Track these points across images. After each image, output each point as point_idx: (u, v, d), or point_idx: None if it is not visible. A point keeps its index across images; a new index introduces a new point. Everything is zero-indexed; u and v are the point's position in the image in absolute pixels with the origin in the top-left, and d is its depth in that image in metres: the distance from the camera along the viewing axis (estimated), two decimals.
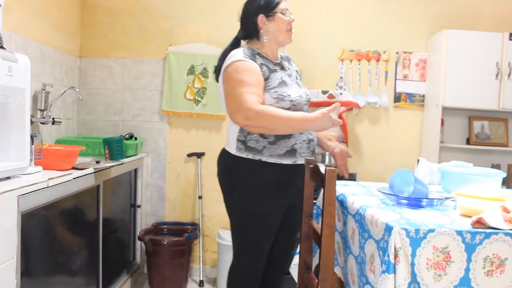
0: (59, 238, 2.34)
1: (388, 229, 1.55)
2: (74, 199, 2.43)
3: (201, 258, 3.72)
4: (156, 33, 3.82)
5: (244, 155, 2.12)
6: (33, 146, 2.17)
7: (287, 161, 2.12)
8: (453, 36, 3.59)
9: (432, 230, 1.52)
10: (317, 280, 1.82)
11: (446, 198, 1.91)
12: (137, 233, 3.59)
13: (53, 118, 2.97)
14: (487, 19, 3.89)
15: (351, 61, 3.91)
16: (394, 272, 1.51)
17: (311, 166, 2.03)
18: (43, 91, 2.97)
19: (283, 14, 2.17)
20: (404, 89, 3.94)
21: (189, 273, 3.64)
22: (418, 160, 2.67)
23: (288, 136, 2.10)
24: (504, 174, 2.14)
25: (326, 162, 3.55)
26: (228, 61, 2.10)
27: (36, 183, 1.93)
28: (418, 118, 3.94)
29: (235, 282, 2.29)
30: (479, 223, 1.56)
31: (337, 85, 3.89)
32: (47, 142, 3.01)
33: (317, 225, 2.00)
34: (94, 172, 2.54)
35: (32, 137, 2.14)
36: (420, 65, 3.93)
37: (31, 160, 2.12)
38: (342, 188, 2.24)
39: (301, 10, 3.86)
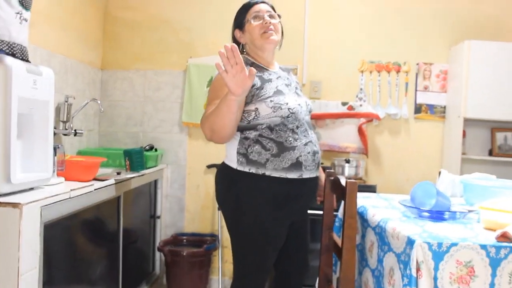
0: (80, 248, 2.36)
1: (410, 242, 1.53)
2: (95, 210, 2.45)
3: (220, 269, 3.71)
4: (176, 45, 3.87)
5: (246, 169, 2.00)
6: (55, 157, 2.20)
7: (293, 175, 2.00)
8: (475, 47, 3.55)
9: (455, 244, 1.49)
10: None
11: (469, 211, 1.88)
12: (157, 244, 3.61)
13: (75, 130, 3.01)
14: (510, 29, 3.85)
15: (371, 72, 3.89)
16: (416, 286, 1.48)
17: (332, 178, 2.02)
18: (66, 103, 3.02)
19: (256, 18, 2.12)
20: (425, 101, 3.91)
21: (208, 284, 3.64)
22: (439, 172, 2.64)
23: (293, 148, 1.99)
24: None
25: (346, 174, 3.53)
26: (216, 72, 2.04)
27: (59, 194, 1.95)
28: (439, 130, 3.89)
29: None
30: (504, 237, 1.53)
31: (357, 96, 3.88)
32: (69, 153, 3.06)
33: (337, 238, 1.99)
34: (115, 183, 2.57)
35: (55, 149, 2.17)
36: (441, 76, 3.89)
37: (53, 171, 2.16)
38: (362, 200, 2.22)
39: (320, 21, 3.87)
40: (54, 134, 2.86)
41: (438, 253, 1.49)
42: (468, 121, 3.63)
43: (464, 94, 3.55)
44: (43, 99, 1.99)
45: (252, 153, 2.00)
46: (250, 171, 1.99)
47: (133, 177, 2.89)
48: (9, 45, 1.86)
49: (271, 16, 2.14)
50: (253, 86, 2.00)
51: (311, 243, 3.29)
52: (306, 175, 2.03)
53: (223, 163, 2.12)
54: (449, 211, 1.85)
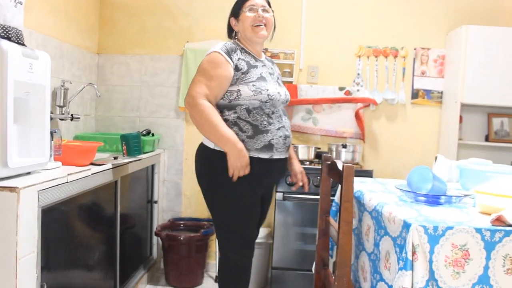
0: (78, 232, 2.37)
1: (406, 226, 1.54)
2: (93, 195, 2.46)
3: (217, 253, 3.73)
4: (173, 30, 3.84)
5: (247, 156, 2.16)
6: (52, 142, 2.20)
7: (264, 155, 2.20)
8: (472, 32, 3.54)
9: (450, 228, 1.51)
10: (333, 277, 1.82)
11: (465, 196, 1.89)
12: (154, 229, 3.62)
13: (71, 115, 3.00)
14: (507, 14, 3.83)
15: (368, 57, 3.88)
16: (412, 269, 1.50)
17: (328, 162, 2.02)
18: (62, 88, 3.01)
19: (250, 10, 2.29)
20: (422, 86, 3.90)
21: (205, 268, 3.66)
22: (436, 157, 2.65)
23: (266, 132, 2.19)
24: None
25: (343, 159, 3.54)
26: (209, 50, 2.25)
27: (56, 179, 1.95)
28: (436, 115, 3.90)
29: (228, 277, 2.32)
30: (499, 220, 1.54)
31: (354, 81, 3.87)
32: (66, 138, 3.04)
33: (334, 222, 2.00)
34: (112, 168, 2.57)
35: (51, 133, 2.17)
36: (439, 62, 3.88)
37: (50, 156, 2.15)
38: (359, 185, 2.23)
39: (318, 6, 3.85)
40: (51, 118, 2.85)
41: (434, 237, 1.50)
42: (465, 107, 3.64)
43: (461, 79, 3.55)
44: (39, 83, 1.98)
45: None
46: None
47: (130, 162, 2.89)
48: (4, 28, 1.85)
49: (265, 11, 2.32)
50: (239, 70, 2.20)
51: (309, 228, 3.34)
52: (276, 156, 2.23)
53: (202, 143, 2.31)
54: (445, 195, 1.86)
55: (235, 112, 2.19)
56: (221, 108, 2.21)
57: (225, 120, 2.17)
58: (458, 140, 3.60)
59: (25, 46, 1.95)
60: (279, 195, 3.38)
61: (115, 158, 2.76)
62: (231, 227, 2.26)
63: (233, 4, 2.39)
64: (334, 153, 3.58)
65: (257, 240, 3.46)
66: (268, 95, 2.19)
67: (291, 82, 3.82)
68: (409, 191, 1.90)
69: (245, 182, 2.17)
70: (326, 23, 3.86)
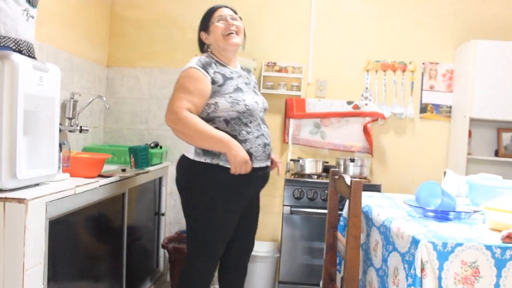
0: (85, 244, 2.36)
1: (415, 242, 1.53)
2: (100, 206, 2.46)
3: None
4: (182, 43, 3.87)
5: (202, 159, 2.18)
6: (61, 153, 2.21)
7: None
8: (481, 47, 3.53)
9: (460, 244, 1.49)
10: None
11: (474, 211, 1.87)
12: (161, 241, 3.61)
13: (80, 126, 3.02)
14: None
15: (376, 71, 3.88)
16: (421, 286, 1.48)
17: (336, 177, 2.01)
18: (72, 100, 3.03)
19: (220, 20, 2.33)
20: (431, 100, 3.89)
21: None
22: (445, 172, 2.63)
23: (244, 141, 2.18)
24: None
25: (351, 173, 3.53)
26: (184, 67, 2.26)
27: (64, 190, 1.96)
28: (445, 130, 3.88)
29: (188, 286, 2.32)
30: (510, 238, 1.53)
31: (362, 95, 3.87)
32: (75, 150, 3.06)
33: (341, 237, 1.98)
34: (119, 180, 2.57)
35: (60, 145, 2.18)
36: (447, 76, 3.88)
37: (59, 167, 2.16)
38: (367, 199, 2.22)
39: (326, 20, 3.86)
40: (60, 130, 2.87)
41: (443, 253, 1.49)
42: (474, 121, 3.62)
43: (470, 94, 3.53)
44: (49, 96, 1.99)
45: None
46: (206, 161, 2.18)
47: (138, 174, 2.89)
48: (16, 41, 1.87)
49: (233, 19, 2.35)
50: (215, 83, 2.20)
51: (317, 242, 3.32)
52: (256, 164, 2.22)
53: (183, 154, 2.31)
54: (454, 211, 1.84)
55: (214, 123, 2.19)
56: None
57: None
58: (467, 155, 3.57)
59: (36, 59, 1.97)
60: (286, 209, 3.37)
61: (123, 170, 2.76)
62: (205, 237, 2.25)
63: (202, 18, 2.42)
64: (342, 167, 3.56)
65: (264, 254, 3.47)
66: (245, 105, 2.20)
67: (299, 96, 3.82)
68: (417, 207, 1.88)
69: (225, 193, 2.19)
70: (335, 37, 3.88)
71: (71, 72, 3.21)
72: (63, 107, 3.00)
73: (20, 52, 1.87)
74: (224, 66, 2.33)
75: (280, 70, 3.83)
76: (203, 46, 2.45)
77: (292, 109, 3.76)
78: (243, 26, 2.42)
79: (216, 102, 2.18)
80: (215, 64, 2.28)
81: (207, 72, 2.20)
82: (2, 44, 1.82)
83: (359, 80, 3.88)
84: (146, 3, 3.92)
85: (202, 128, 2.10)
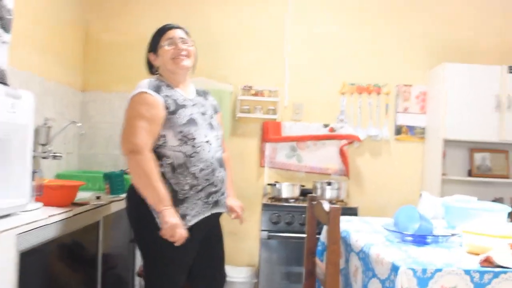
0: (58, 275, 2.29)
1: (395, 268, 1.52)
2: (74, 236, 2.39)
3: None
4: None
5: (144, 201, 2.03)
6: (33, 182, 2.15)
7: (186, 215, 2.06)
8: (452, 69, 3.62)
9: (439, 270, 1.49)
10: None
11: (452, 235, 1.88)
12: (136, 269, 3.53)
13: (54, 153, 2.95)
14: (485, 52, 3.93)
15: (351, 94, 3.93)
16: None
17: (314, 202, 2.01)
18: (45, 126, 2.97)
19: (169, 43, 2.17)
20: (405, 122, 3.95)
21: None
22: (420, 194, 2.65)
23: (182, 201, 2.04)
24: (509, 209, 2.13)
25: (328, 196, 3.52)
26: (135, 90, 2.09)
27: (36, 221, 1.90)
28: (419, 151, 3.94)
29: None
30: (487, 261, 1.53)
31: (338, 118, 3.90)
32: (47, 176, 2.99)
33: (320, 263, 1.97)
34: (94, 208, 2.52)
35: (33, 173, 2.12)
36: (420, 98, 3.95)
37: (31, 196, 2.10)
38: (345, 224, 2.21)
39: (301, 44, 3.91)
40: (33, 157, 2.80)
41: (423, 279, 1.48)
42: (447, 142, 3.68)
43: (443, 115, 3.60)
44: (21, 123, 1.95)
45: None
46: (145, 204, 2.02)
47: (113, 202, 2.83)
48: None
49: (184, 42, 2.19)
50: (166, 108, 2.04)
51: (295, 267, 3.30)
52: (193, 221, 2.06)
53: (131, 185, 2.13)
54: (432, 235, 1.85)
55: (161, 165, 2.04)
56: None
57: None
58: (442, 176, 3.62)
59: (8, 85, 1.93)
60: (263, 234, 3.34)
61: (98, 197, 2.71)
62: (160, 272, 2.10)
63: (150, 39, 2.25)
64: (319, 191, 3.56)
65: (241, 280, 3.42)
66: (193, 145, 2.04)
67: (275, 119, 3.83)
68: (396, 231, 1.88)
69: (166, 246, 2.02)
70: (310, 61, 3.92)
71: (45, 97, 3.16)
72: (36, 133, 2.93)
73: None
74: (175, 90, 2.15)
75: (256, 94, 3.84)
76: (151, 68, 2.28)
77: (268, 132, 3.77)
78: (195, 49, 2.25)
79: (164, 135, 2.04)
80: (166, 87, 2.11)
81: (160, 95, 2.05)
82: None
83: (334, 103, 3.92)
84: (121, 27, 3.90)
85: (153, 179, 1.96)
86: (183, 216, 2.03)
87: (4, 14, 1.93)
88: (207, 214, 2.11)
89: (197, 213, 2.08)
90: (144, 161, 1.96)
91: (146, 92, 2.04)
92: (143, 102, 2.03)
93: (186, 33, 2.25)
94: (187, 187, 2.04)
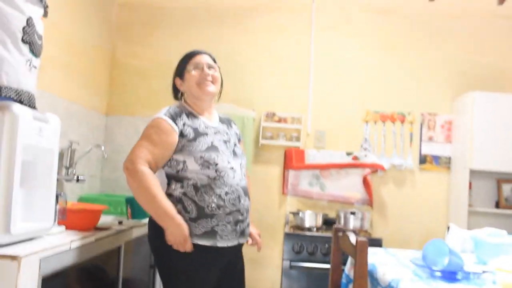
0: None
1: None
2: (95, 261, 2.37)
3: None
4: None
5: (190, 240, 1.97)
6: (57, 206, 2.15)
7: (205, 242, 1.97)
8: (479, 98, 3.57)
9: None
10: None
11: (483, 272, 1.82)
12: None
13: (77, 176, 2.97)
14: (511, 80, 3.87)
15: (375, 122, 3.89)
16: None
17: (340, 234, 1.96)
18: (69, 148, 2.99)
19: (195, 68, 2.16)
20: (430, 151, 3.89)
21: None
22: (448, 227, 2.58)
23: (211, 216, 1.96)
24: None
25: (351, 226, 3.46)
26: (153, 116, 2.11)
27: (59, 246, 1.89)
28: (445, 181, 3.86)
29: None
30: None
31: (361, 146, 3.86)
32: (71, 199, 3.00)
33: None
34: (116, 234, 2.50)
35: (57, 197, 2.12)
36: (446, 127, 3.89)
37: (55, 220, 2.10)
38: (371, 257, 2.14)
39: (325, 71, 3.90)
40: (56, 180, 2.82)
41: None
42: (473, 172, 3.60)
43: (469, 145, 3.53)
44: (48, 147, 1.96)
45: None
46: None
47: (135, 227, 2.82)
48: (17, 92, 1.85)
49: (210, 67, 2.18)
50: (184, 136, 2.02)
51: None
52: (221, 244, 1.99)
53: None
54: (463, 271, 1.78)
55: (182, 187, 2.00)
56: (169, 179, 2.04)
57: (169, 195, 2.00)
58: (468, 207, 3.53)
59: (36, 109, 1.95)
60: (285, 263, 3.29)
61: (120, 222, 2.70)
62: None
63: (178, 63, 2.25)
64: (342, 220, 3.50)
65: None
66: (216, 170, 1.99)
67: (298, 147, 3.80)
68: (425, 266, 1.82)
69: (191, 268, 1.98)
70: (333, 88, 3.90)
71: (70, 120, 3.19)
72: (61, 156, 2.97)
73: (20, 102, 1.85)
74: (197, 117, 2.13)
75: (279, 121, 3.83)
76: (177, 93, 2.27)
77: (291, 160, 3.74)
78: (221, 75, 2.24)
79: (184, 161, 2.00)
80: (186, 115, 2.10)
81: (176, 124, 2.03)
82: (3, 95, 1.80)
83: (358, 131, 3.88)
84: (147, 52, 3.96)
85: (153, 192, 1.92)
86: (212, 232, 1.96)
87: (35, 40, 1.96)
88: (235, 242, 2.05)
89: (226, 238, 2.00)
90: (140, 177, 1.92)
91: (161, 118, 2.04)
92: (155, 126, 2.03)
93: (213, 59, 2.24)
94: (213, 205, 1.97)
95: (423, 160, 3.88)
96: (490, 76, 3.88)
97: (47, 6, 2.08)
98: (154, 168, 2.00)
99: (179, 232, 1.91)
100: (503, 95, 3.60)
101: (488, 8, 3.93)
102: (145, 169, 1.94)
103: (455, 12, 3.95)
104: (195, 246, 1.96)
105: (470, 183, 3.62)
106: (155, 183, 1.94)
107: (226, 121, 2.30)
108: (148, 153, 1.97)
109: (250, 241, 2.26)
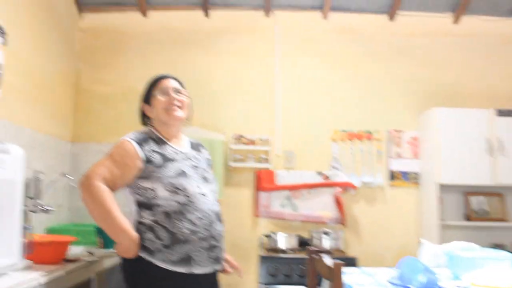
0: None
1: None
2: None
3: None
4: None
5: (138, 252, 1.91)
6: (23, 239, 2.07)
7: (181, 269, 1.89)
8: (441, 114, 3.66)
9: None
10: None
11: (458, 287, 1.83)
12: None
13: (44, 207, 2.88)
14: (472, 95, 3.99)
15: (343, 141, 3.93)
16: None
17: (315, 256, 1.95)
18: (35, 179, 2.90)
19: (162, 93, 2.10)
20: (398, 168, 3.94)
21: None
22: (420, 242, 2.60)
23: (184, 241, 1.89)
24: None
25: (326, 246, 3.45)
26: (120, 138, 2.06)
27: (26, 283, 1.81)
28: (415, 196, 3.91)
29: None
30: None
31: (331, 165, 3.88)
32: (38, 231, 2.90)
33: None
34: (86, 265, 2.43)
35: (22, 230, 2.04)
36: (412, 143, 3.95)
37: (21, 255, 2.02)
38: (347, 277, 2.14)
39: (292, 93, 3.93)
40: (22, 212, 2.72)
41: None
42: (442, 187, 3.66)
43: (437, 160, 3.61)
44: (10, 179, 1.89)
45: (145, 239, 1.91)
46: (141, 255, 1.90)
47: (105, 257, 2.74)
48: None
49: (177, 92, 2.13)
50: (151, 162, 1.96)
51: None
52: (197, 270, 1.92)
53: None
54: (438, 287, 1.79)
55: (153, 214, 1.92)
56: (139, 207, 1.97)
57: (140, 223, 1.92)
58: (439, 221, 3.58)
59: None
60: (262, 287, 3.24)
61: (90, 253, 2.62)
62: None
63: (144, 89, 2.18)
64: (316, 240, 3.50)
65: None
66: (186, 196, 1.93)
67: (268, 168, 3.80)
68: (402, 286, 1.82)
69: None
70: (300, 109, 3.94)
71: (34, 149, 3.11)
72: (26, 186, 2.86)
73: None
74: (165, 143, 2.07)
75: (248, 143, 3.82)
76: (144, 118, 2.20)
77: (262, 181, 3.73)
78: (189, 99, 2.18)
79: (154, 188, 1.94)
80: (155, 141, 2.04)
81: (142, 149, 1.97)
82: None
83: (327, 150, 3.91)
84: (112, 78, 3.92)
85: (107, 207, 1.86)
86: (187, 259, 1.89)
87: None
88: (211, 269, 1.99)
89: (202, 264, 1.94)
90: (95, 192, 1.87)
91: (127, 140, 2.00)
92: (119, 147, 2.00)
93: (180, 83, 2.20)
94: (186, 231, 1.90)
95: (392, 176, 3.93)
96: (450, 91, 3.99)
97: (5, 33, 2.03)
98: (110, 186, 1.93)
99: (133, 245, 1.87)
100: (464, 110, 3.70)
101: (444, 27, 4.07)
102: (100, 184, 1.89)
103: (414, 31, 4.06)
104: (171, 273, 1.89)
105: (440, 198, 3.67)
106: (110, 198, 1.88)
107: (196, 146, 2.25)
108: (106, 171, 1.93)
109: (229, 269, 2.19)
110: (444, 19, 4.07)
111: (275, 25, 4.02)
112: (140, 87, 2.22)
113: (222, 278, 2.22)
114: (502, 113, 3.65)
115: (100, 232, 2.87)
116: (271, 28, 4.02)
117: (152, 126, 2.16)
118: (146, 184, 1.96)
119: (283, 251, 3.45)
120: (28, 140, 3.02)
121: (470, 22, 4.07)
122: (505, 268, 2.02)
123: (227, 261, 2.18)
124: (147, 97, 2.17)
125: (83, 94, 3.88)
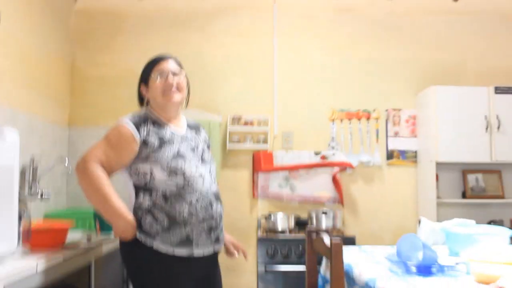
0: None
1: None
2: (65, 281, 2.29)
3: None
4: None
5: (137, 236, 1.93)
6: (20, 226, 2.06)
7: (181, 251, 1.92)
8: (440, 92, 3.63)
9: None
10: None
11: (457, 263, 1.83)
12: None
13: (41, 193, 2.87)
14: (472, 74, 3.97)
15: (341, 120, 3.91)
16: None
17: (313, 235, 1.95)
18: (32, 164, 2.89)
19: (160, 76, 2.08)
20: (396, 146, 3.93)
21: None
22: (419, 221, 2.60)
23: (184, 223, 1.92)
24: (510, 232, 2.08)
25: (324, 226, 3.46)
26: (117, 121, 2.05)
27: (24, 270, 1.80)
28: (412, 175, 3.91)
29: None
30: None
31: (329, 145, 3.87)
32: (35, 217, 2.90)
33: None
34: (85, 252, 2.42)
35: (19, 216, 2.03)
36: (410, 122, 3.94)
37: (18, 241, 2.01)
38: (345, 256, 2.14)
39: (290, 73, 3.90)
40: (19, 198, 2.71)
41: None
42: (439, 165, 3.66)
43: (434, 138, 3.59)
44: (6, 164, 1.87)
45: (144, 223, 1.93)
46: (140, 240, 1.92)
47: (104, 243, 2.74)
48: None
49: (175, 74, 2.11)
50: (148, 145, 1.96)
51: None
52: (198, 251, 1.95)
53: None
54: (437, 265, 1.79)
55: (151, 197, 1.94)
56: (137, 190, 1.98)
57: (138, 208, 1.94)
58: (437, 199, 3.59)
59: None
60: (260, 268, 3.27)
61: (88, 239, 2.61)
62: None
63: (142, 70, 2.16)
64: (314, 220, 3.50)
65: None
66: (184, 178, 1.95)
67: (266, 149, 3.79)
68: (400, 262, 1.83)
69: (167, 280, 1.92)
70: (298, 89, 3.91)
71: (31, 134, 3.09)
72: (22, 172, 2.86)
73: None
74: (163, 125, 2.06)
75: (245, 124, 3.80)
76: (143, 100, 2.18)
77: (260, 162, 3.72)
78: (187, 81, 2.17)
79: (151, 171, 1.95)
80: (152, 123, 2.03)
81: (139, 131, 1.97)
82: None
83: (325, 130, 3.89)
84: (108, 60, 3.87)
85: (104, 190, 1.88)
86: (186, 240, 1.92)
87: None
88: (211, 250, 2.00)
89: (202, 245, 1.96)
90: (91, 176, 1.89)
91: (124, 123, 1.99)
92: (115, 130, 1.99)
93: (178, 64, 2.17)
94: (185, 214, 1.92)
95: (390, 155, 3.92)
96: (449, 70, 3.96)
97: None
98: (107, 169, 1.94)
99: (130, 228, 1.89)
100: (463, 88, 3.68)
101: (444, 6, 4.02)
102: (96, 168, 1.90)
103: (413, 10, 4.02)
104: (171, 257, 1.91)
105: (437, 175, 3.67)
106: (106, 182, 1.90)
107: (195, 127, 2.24)
108: (102, 154, 1.93)
109: (234, 251, 2.20)
110: None
111: (274, 3, 3.96)
112: (137, 69, 2.19)
113: (221, 260, 2.23)
114: (500, 90, 3.63)
115: (98, 217, 2.86)
116: (270, 7, 3.97)
117: (151, 107, 2.14)
118: (143, 166, 1.96)
119: (281, 232, 3.45)
120: (25, 125, 2.99)
121: (470, 0, 4.02)
122: (503, 243, 2.03)
123: (231, 243, 2.19)
124: (145, 78, 2.14)
125: (79, 77, 3.84)
